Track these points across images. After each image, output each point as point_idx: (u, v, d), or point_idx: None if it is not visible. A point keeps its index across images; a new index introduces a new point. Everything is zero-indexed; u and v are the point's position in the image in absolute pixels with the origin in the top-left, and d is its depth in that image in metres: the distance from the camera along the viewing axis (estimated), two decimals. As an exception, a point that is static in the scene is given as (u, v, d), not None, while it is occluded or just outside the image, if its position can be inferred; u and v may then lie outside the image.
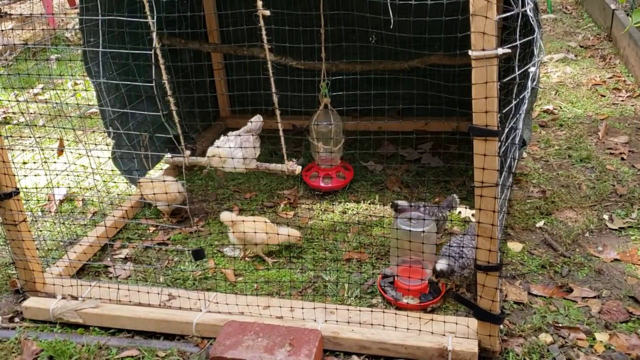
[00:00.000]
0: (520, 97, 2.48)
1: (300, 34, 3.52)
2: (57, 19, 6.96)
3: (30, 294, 3.12)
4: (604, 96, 5.43)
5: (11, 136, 3.74)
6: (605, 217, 3.65)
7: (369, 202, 3.94)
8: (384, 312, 2.79)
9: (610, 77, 5.81)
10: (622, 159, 4.32)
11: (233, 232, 3.35)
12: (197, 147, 4.22)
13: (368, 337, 2.68)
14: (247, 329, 2.68)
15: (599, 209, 3.74)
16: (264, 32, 2.70)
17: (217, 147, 3.31)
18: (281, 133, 2.99)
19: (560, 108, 5.26)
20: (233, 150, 3.21)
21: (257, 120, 3.50)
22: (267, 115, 4.92)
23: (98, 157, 3.45)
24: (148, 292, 3.00)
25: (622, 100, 5.32)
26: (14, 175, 2.92)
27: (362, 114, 4.52)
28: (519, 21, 2.32)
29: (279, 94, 2.90)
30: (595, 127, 4.83)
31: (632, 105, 5.19)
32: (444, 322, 2.68)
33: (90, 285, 3.10)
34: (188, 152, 3.26)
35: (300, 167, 3.09)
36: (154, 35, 2.70)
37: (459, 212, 3.75)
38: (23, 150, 4.47)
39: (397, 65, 4.21)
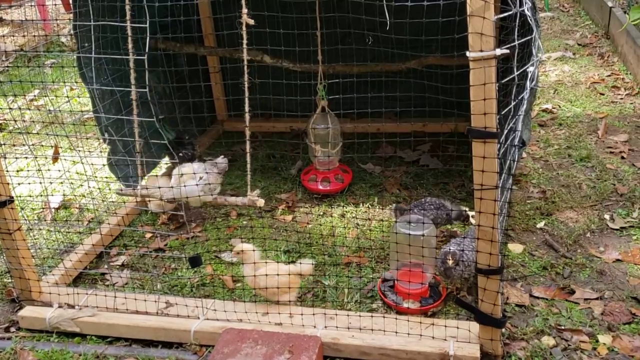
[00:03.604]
0: (519, 97, 2.45)
1: (296, 37, 3.50)
2: (52, 24, 6.93)
3: (26, 303, 3.08)
4: (603, 94, 5.40)
5: (4, 144, 3.71)
6: (607, 216, 3.62)
7: (368, 204, 3.91)
8: (384, 317, 2.76)
9: (609, 75, 5.78)
10: (622, 157, 4.29)
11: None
12: (197, 152, 4.18)
13: (368, 342, 2.64)
14: (245, 337, 2.64)
15: (599, 208, 3.71)
16: (244, 40, 2.68)
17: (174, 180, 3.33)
18: (248, 159, 2.90)
19: (559, 107, 5.24)
20: (187, 179, 3.19)
21: (222, 162, 3.64)
22: (264, 118, 4.94)
23: (92, 164, 3.41)
24: (145, 300, 2.96)
25: (621, 99, 5.29)
26: (8, 183, 2.89)
27: (359, 116, 4.49)
28: (517, 21, 2.28)
29: (249, 97, 2.86)
30: (595, 125, 4.80)
31: (631, 103, 5.16)
32: (445, 326, 2.64)
33: (86, 294, 3.07)
34: (143, 182, 3.26)
35: (263, 200, 2.91)
36: (130, 42, 2.67)
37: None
38: (17, 158, 4.44)
39: (394, 67, 4.19)
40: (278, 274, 2.82)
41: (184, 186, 3.20)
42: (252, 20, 2.71)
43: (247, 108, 2.85)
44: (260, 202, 2.91)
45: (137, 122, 2.82)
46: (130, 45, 2.68)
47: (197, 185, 3.34)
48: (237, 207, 4.00)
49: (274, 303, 2.92)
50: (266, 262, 2.89)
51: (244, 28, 2.70)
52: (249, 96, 2.91)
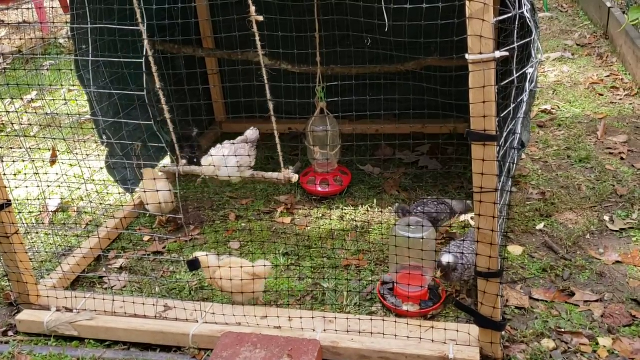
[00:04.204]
0: (519, 100, 2.44)
1: (294, 39, 3.49)
2: (50, 26, 6.92)
3: (24, 306, 3.07)
4: (602, 95, 5.39)
5: (1, 147, 3.70)
6: (606, 218, 3.61)
7: (367, 206, 3.89)
8: (383, 320, 2.75)
9: (608, 76, 5.77)
10: (622, 158, 4.28)
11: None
12: (199, 153, 4.15)
13: (368, 346, 2.63)
14: (244, 340, 2.63)
15: (599, 210, 3.70)
16: (257, 39, 2.66)
17: (211, 155, 3.27)
18: (277, 140, 2.94)
19: (559, 108, 5.23)
20: (227, 158, 3.16)
21: (253, 131, 3.51)
22: (262, 120, 4.92)
23: (90, 167, 3.40)
24: (143, 303, 2.95)
25: (620, 99, 5.28)
26: (5, 186, 2.87)
27: (358, 117, 4.49)
28: (516, 23, 2.27)
29: (274, 100, 2.85)
30: (594, 126, 4.80)
31: (630, 104, 5.15)
32: (445, 329, 2.63)
33: (85, 297, 3.05)
34: (183, 162, 3.21)
35: (297, 175, 3.03)
36: (146, 43, 2.65)
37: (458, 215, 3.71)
38: (14, 161, 4.43)
39: (393, 68, 4.18)
40: (231, 279, 2.86)
41: (226, 166, 3.15)
42: (262, 17, 2.68)
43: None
44: (295, 178, 3.01)
45: (170, 124, 2.82)
46: (145, 44, 2.66)
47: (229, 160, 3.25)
48: (237, 210, 3.99)
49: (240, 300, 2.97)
50: (231, 268, 2.90)
51: (254, 26, 2.68)
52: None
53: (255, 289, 2.93)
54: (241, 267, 2.87)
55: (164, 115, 2.94)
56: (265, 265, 2.97)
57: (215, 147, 3.39)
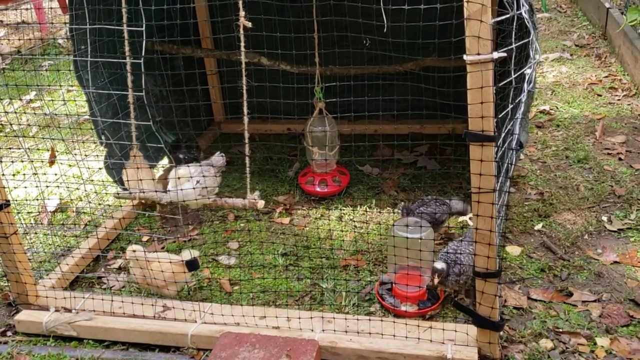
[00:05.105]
0: (517, 100, 2.45)
1: (293, 39, 3.50)
2: (48, 26, 6.92)
3: (22, 306, 3.07)
4: (600, 95, 5.40)
5: (0, 148, 3.71)
6: (604, 218, 3.62)
7: (365, 206, 3.90)
8: (382, 320, 2.75)
9: (606, 76, 5.78)
10: (620, 159, 4.29)
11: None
12: (197, 154, 4.16)
13: (366, 346, 2.64)
14: (243, 341, 2.64)
15: (597, 210, 3.71)
16: (242, 43, 2.69)
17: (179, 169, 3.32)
18: (247, 161, 2.90)
19: (557, 108, 5.24)
20: (188, 181, 3.19)
21: (218, 157, 3.57)
22: (261, 120, 4.93)
23: (88, 167, 3.40)
24: (142, 304, 2.95)
25: (619, 100, 5.29)
26: (4, 187, 2.87)
27: (357, 118, 4.50)
28: (514, 24, 2.28)
29: (248, 101, 2.87)
30: (592, 127, 4.80)
31: (629, 105, 5.16)
32: (443, 329, 2.64)
33: (83, 297, 3.05)
34: (139, 189, 3.27)
35: (263, 201, 2.96)
36: (126, 45, 2.66)
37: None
38: (13, 161, 4.43)
39: (392, 68, 4.18)
40: (162, 271, 2.95)
41: (181, 189, 3.18)
42: (250, 23, 2.71)
43: (245, 110, 2.85)
44: (261, 204, 2.94)
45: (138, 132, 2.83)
46: (128, 48, 2.68)
47: (194, 187, 3.32)
48: (235, 210, 3.99)
49: (166, 295, 3.08)
50: (159, 261, 2.99)
51: (241, 31, 2.70)
52: (247, 99, 2.91)
53: (186, 278, 3.05)
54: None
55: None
56: (191, 254, 3.09)
57: (175, 169, 3.42)
